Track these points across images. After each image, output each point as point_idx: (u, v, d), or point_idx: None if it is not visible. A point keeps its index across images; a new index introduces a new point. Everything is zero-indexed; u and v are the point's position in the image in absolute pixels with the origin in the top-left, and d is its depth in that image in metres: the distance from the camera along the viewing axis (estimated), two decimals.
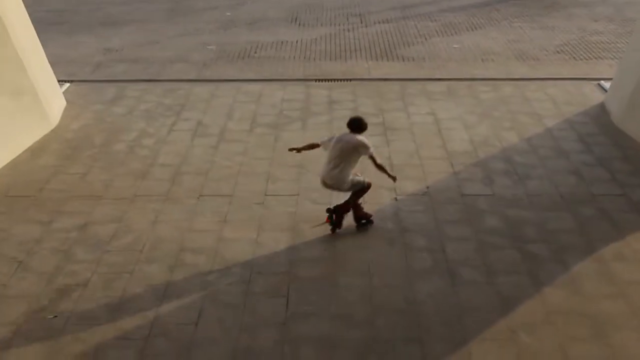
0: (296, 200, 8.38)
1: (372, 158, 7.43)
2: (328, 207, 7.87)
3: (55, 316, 6.44)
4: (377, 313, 6.45)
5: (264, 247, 7.47)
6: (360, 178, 7.64)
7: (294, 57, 14.24)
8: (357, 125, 7.48)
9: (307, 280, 6.93)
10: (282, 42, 15.31)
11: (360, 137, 7.39)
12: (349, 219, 7.90)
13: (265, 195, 8.54)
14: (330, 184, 7.46)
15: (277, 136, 10.24)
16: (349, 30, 16.19)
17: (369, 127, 9.93)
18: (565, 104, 11.43)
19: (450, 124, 10.62)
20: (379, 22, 16.90)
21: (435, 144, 9.91)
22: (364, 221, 7.82)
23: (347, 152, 7.33)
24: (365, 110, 11.06)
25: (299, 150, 7.96)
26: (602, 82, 12.34)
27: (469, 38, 15.51)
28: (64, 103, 11.39)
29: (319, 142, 7.75)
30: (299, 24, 16.83)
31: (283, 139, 10.12)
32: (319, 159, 9.36)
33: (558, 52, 14.47)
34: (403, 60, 14.01)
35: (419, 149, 9.74)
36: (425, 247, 7.47)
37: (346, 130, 7.54)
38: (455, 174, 9.07)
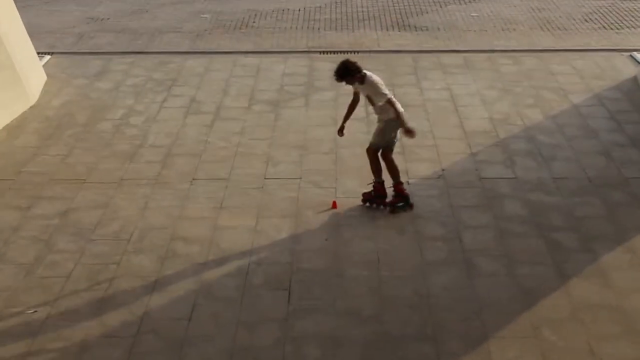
0: (298, 185, 8.35)
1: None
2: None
3: (35, 311, 6.43)
4: (387, 308, 6.42)
5: (263, 236, 7.45)
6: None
7: (296, 27, 14.16)
8: None
9: (311, 272, 6.91)
10: (283, 10, 15.23)
11: None
12: (343, 207, 7.88)
13: (265, 179, 8.51)
14: None
15: (277, 114, 10.20)
16: None
17: None
18: (594, 78, 11.35)
19: (468, 100, 10.56)
20: None
21: (451, 123, 9.86)
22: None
23: None
24: None
25: (344, 123, 7.95)
26: (635, 53, 12.25)
27: (489, 5, 15.40)
28: (44, 77, 11.35)
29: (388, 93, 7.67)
30: None
31: (284, 117, 10.08)
32: (323, 139, 9.36)
33: (586, 20, 14.36)
34: (416, 30, 13.92)
35: (433, 128, 9.69)
36: (439, 235, 7.43)
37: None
38: (473, 155, 9.02)
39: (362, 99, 7.92)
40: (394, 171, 7.85)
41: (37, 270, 6.97)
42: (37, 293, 6.65)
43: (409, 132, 7.62)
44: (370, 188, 7.94)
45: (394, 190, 7.88)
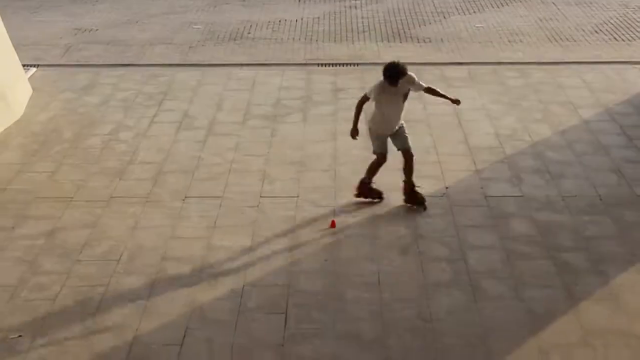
0: (296, 203, 8.38)
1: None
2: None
3: (20, 336, 6.43)
4: (389, 332, 6.44)
5: (258, 257, 7.48)
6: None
7: (294, 39, 14.25)
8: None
9: (309, 294, 6.93)
10: (279, 20, 15.32)
11: None
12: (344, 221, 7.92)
13: (261, 197, 8.55)
14: None
15: (273, 129, 10.25)
16: (356, 7, 16.20)
17: None
18: (604, 91, 11.42)
19: (473, 115, 10.62)
20: None
21: (455, 138, 9.91)
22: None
23: None
24: None
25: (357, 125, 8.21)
26: None
27: (494, 16, 15.50)
28: (29, 91, 11.40)
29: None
30: (299, 0, 16.84)
31: (281, 133, 10.12)
32: (321, 155, 9.40)
33: (597, 31, 14.46)
34: (418, 41, 14.01)
35: (437, 144, 9.74)
36: (443, 256, 7.46)
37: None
38: (478, 172, 9.07)
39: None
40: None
41: (22, 292, 6.98)
42: (21, 316, 6.66)
43: (457, 101, 8.52)
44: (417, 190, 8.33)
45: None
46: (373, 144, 8.27)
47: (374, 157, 8.28)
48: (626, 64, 12.60)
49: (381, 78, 7.90)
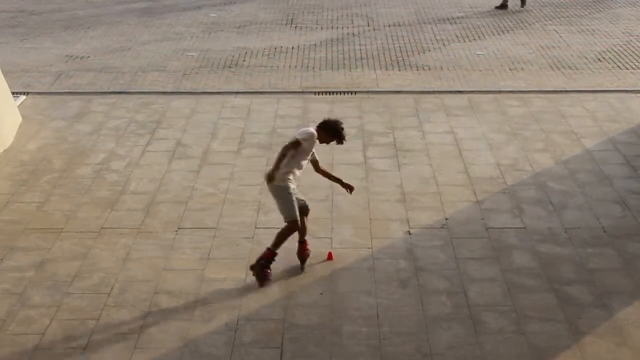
0: (292, 235, 8.40)
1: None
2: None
3: None
4: None
5: (253, 290, 7.50)
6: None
7: (290, 66, 14.36)
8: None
9: (305, 328, 6.96)
10: (275, 48, 15.45)
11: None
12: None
13: (256, 228, 8.59)
14: None
15: (269, 159, 10.29)
16: (354, 35, 16.35)
17: (376, 149, 10.03)
18: (607, 120, 11.51)
19: (473, 144, 10.70)
20: (390, 25, 17.06)
21: (455, 168, 9.97)
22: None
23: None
24: (373, 129, 11.14)
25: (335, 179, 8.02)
26: None
27: (495, 43, 15.64)
28: (18, 119, 11.47)
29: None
30: (296, 27, 17.00)
31: None
32: (318, 185, 9.43)
33: (600, 59, 14.59)
34: (417, 69, 14.12)
35: (436, 174, 9.80)
36: (443, 289, 7.50)
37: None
38: (479, 203, 9.13)
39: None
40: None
41: (10, 326, 6.99)
42: (9, 351, 6.66)
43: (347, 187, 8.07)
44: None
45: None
46: (285, 208, 7.65)
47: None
48: (630, 92, 12.70)
49: (313, 128, 7.60)
